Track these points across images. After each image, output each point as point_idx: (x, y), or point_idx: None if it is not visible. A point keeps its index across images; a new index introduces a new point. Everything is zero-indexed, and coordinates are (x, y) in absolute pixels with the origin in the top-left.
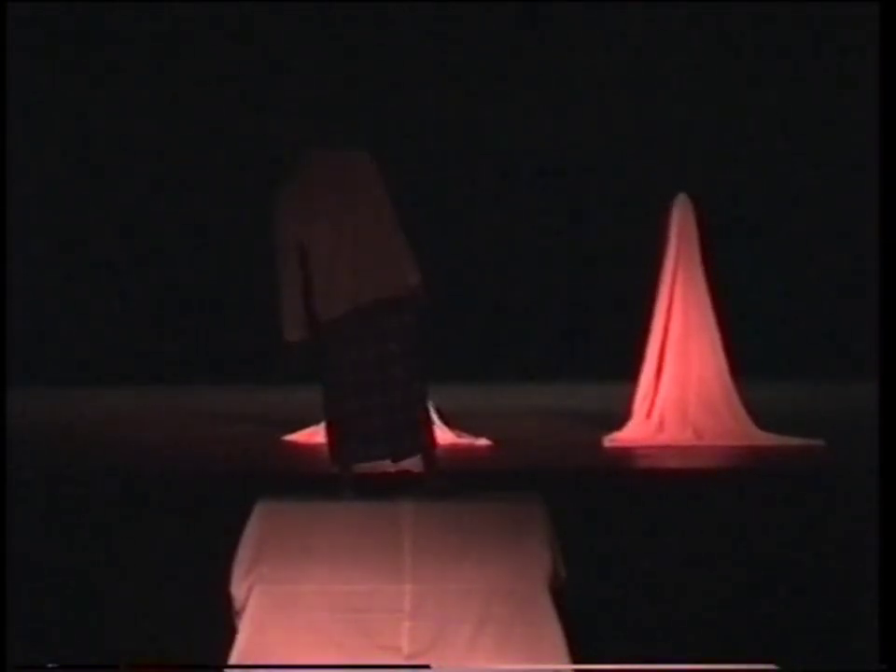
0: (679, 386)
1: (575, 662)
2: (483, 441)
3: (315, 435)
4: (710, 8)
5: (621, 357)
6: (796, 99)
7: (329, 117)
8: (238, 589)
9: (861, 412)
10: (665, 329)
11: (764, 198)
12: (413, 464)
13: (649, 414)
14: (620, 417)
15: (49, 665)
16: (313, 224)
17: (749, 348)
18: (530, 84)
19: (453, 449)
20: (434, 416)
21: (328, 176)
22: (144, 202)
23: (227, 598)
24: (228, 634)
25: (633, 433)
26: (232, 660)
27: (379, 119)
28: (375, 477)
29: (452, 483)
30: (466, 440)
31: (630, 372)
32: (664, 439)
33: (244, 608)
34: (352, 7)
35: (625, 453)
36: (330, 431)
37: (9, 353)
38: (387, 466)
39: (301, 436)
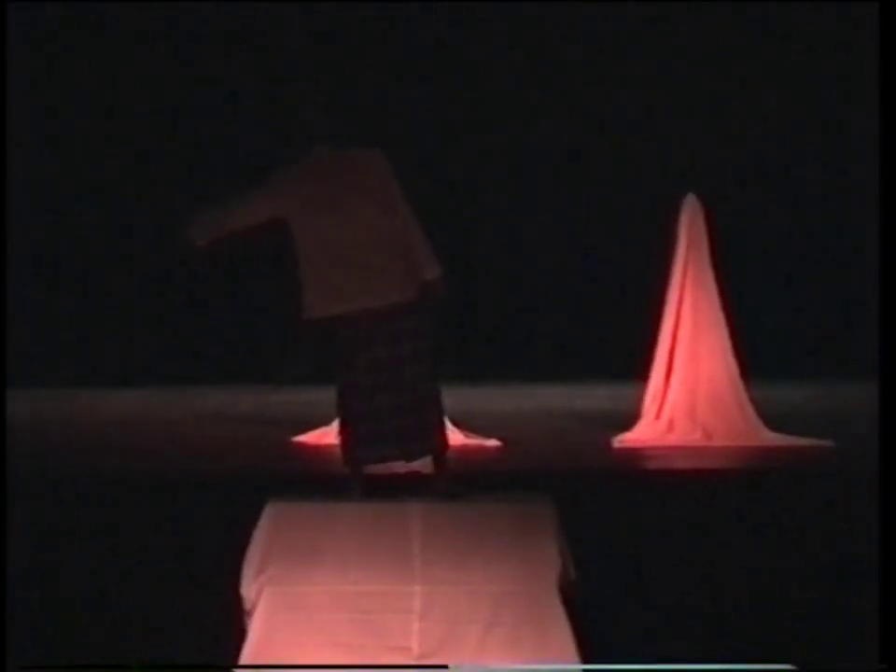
0: (689, 387)
1: (584, 662)
2: (492, 442)
3: (325, 436)
4: (718, 9)
5: (630, 358)
6: (803, 100)
7: (340, 115)
8: (248, 590)
9: (869, 412)
10: (675, 330)
11: (772, 199)
12: (422, 465)
13: (658, 415)
14: (629, 418)
15: (57, 666)
16: (313, 215)
17: (758, 349)
18: (539, 85)
19: (462, 450)
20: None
21: (341, 175)
22: (148, 201)
23: (237, 599)
24: (238, 634)
25: (642, 434)
26: (243, 660)
27: (384, 119)
28: (385, 478)
29: (461, 485)
30: (475, 441)
31: (639, 373)
32: (673, 439)
33: (254, 608)
34: (365, 7)
35: (635, 453)
36: (343, 432)
37: (14, 353)
38: (397, 466)
39: (310, 437)
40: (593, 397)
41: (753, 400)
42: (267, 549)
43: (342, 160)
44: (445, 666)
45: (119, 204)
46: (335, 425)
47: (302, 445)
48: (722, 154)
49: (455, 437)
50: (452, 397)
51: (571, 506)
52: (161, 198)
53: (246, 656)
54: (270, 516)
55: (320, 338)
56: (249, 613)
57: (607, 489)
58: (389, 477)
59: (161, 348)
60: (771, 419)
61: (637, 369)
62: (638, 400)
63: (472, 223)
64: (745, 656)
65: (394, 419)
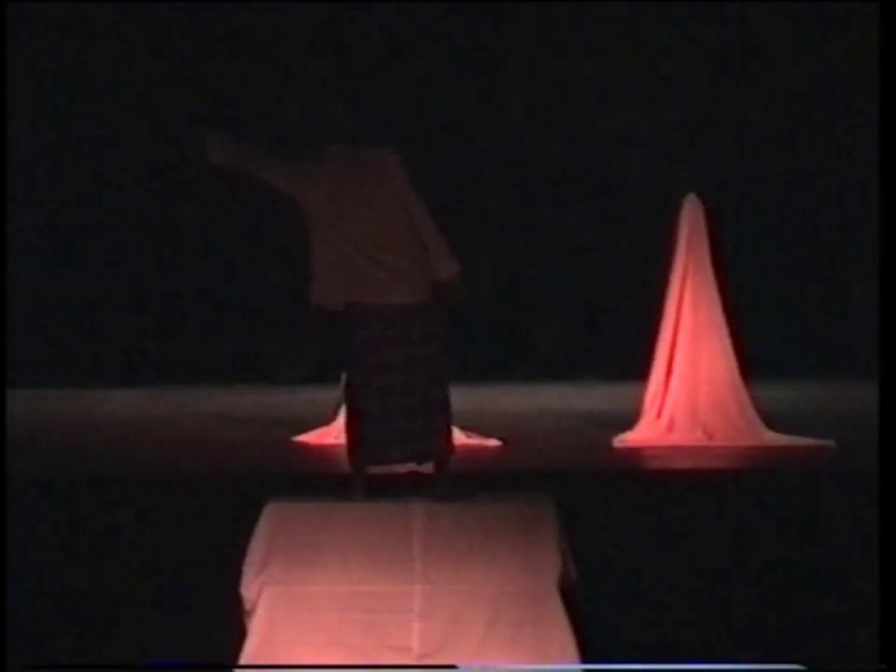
0: (689, 387)
1: (584, 662)
2: (493, 442)
3: (325, 435)
4: (719, 10)
5: (631, 358)
6: (804, 100)
7: (349, 115)
8: (248, 589)
9: (871, 412)
10: (675, 330)
11: (773, 199)
12: (424, 465)
13: (659, 415)
14: (630, 418)
15: (57, 666)
16: (331, 211)
17: (758, 349)
18: (543, 86)
19: (463, 450)
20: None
21: (358, 174)
22: (150, 200)
23: (237, 599)
24: (238, 634)
25: (643, 434)
26: (243, 660)
27: (388, 120)
28: (386, 478)
29: (461, 487)
30: (476, 440)
31: (640, 373)
32: (673, 439)
33: (254, 608)
34: (372, 7)
35: (635, 453)
36: (350, 431)
37: (14, 353)
38: (399, 466)
39: (310, 436)
40: (593, 397)
41: (753, 400)
42: (267, 549)
43: (358, 159)
44: (450, 667)
45: (119, 204)
46: (335, 425)
47: (302, 445)
48: (723, 154)
49: (456, 437)
50: (452, 396)
51: (571, 506)
52: (161, 198)
53: (246, 656)
54: (270, 516)
55: (333, 337)
56: (249, 613)
57: (607, 489)
58: (390, 477)
59: (161, 348)
60: (771, 419)
61: (638, 368)
62: (638, 400)
63: (472, 222)
64: (743, 656)
65: (402, 421)
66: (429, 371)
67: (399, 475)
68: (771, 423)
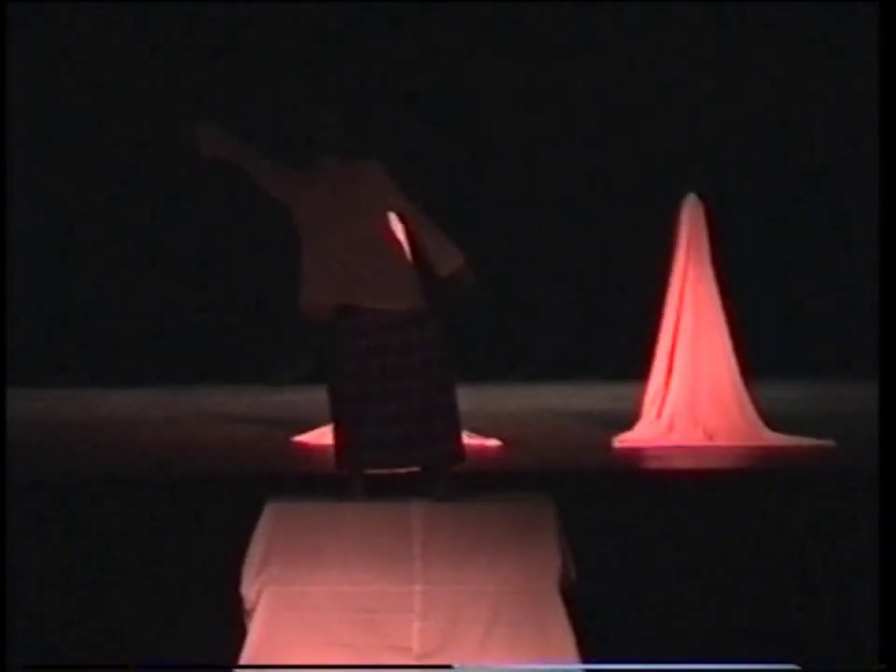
0: (690, 387)
1: (584, 662)
2: (493, 442)
3: (325, 436)
4: (719, 8)
5: (631, 358)
6: (804, 100)
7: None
8: (248, 589)
9: (871, 412)
10: (676, 330)
11: (773, 199)
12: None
13: (659, 415)
14: (630, 417)
15: (57, 666)
16: (322, 221)
17: (758, 349)
18: (540, 85)
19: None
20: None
21: (349, 184)
22: (150, 200)
23: (237, 599)
24: (238, 634)
25: (643, 433)
26: (243, 660)
27: (380, 121)
28: (385, 478)
29: (461, 488)
30: (476, 440)
31: (640, 373)
32: (674, 439)
33: (254, 608)
34: (356, 8)
35: (635, 453)
36: (343, 435)
37: (15, 353)
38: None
39: (310, 437)
40: (593, 396)
41: (754, 400)
42: (267, 549)
43: (348, 169)
44: (449, 666)
45: (119, 204)
46: None
47: (302, 445)
48: (723, 154)
49: None
50: None
51: (571, 506)
52: (161, 198)
53: (246, 656)
54: (270, 516)
55: (332, 334)
56: (249, 613)
57: (607, 489)
58: (390, 477)
59: (161, 348)
60: (771, 419)
61: (638, 368)
62: (638, 400)
63: (471, 222)
64: (744, 656)
65: (399, 427)
66: (428, 377)
67: (398, 475)
68: (771, 423)
